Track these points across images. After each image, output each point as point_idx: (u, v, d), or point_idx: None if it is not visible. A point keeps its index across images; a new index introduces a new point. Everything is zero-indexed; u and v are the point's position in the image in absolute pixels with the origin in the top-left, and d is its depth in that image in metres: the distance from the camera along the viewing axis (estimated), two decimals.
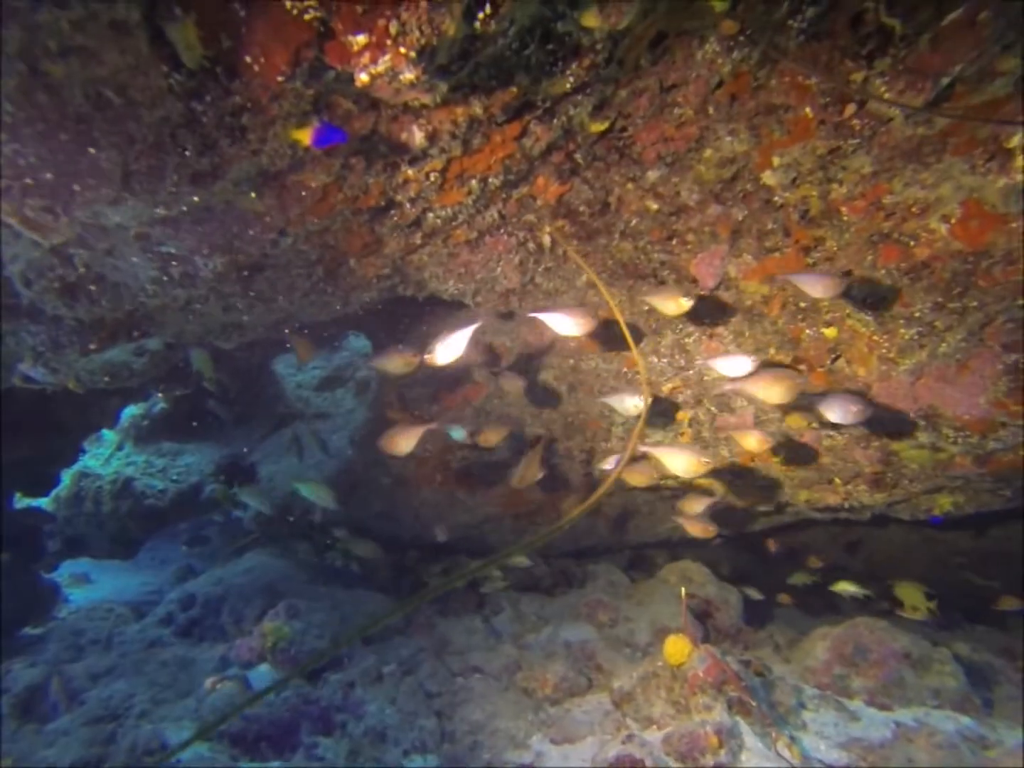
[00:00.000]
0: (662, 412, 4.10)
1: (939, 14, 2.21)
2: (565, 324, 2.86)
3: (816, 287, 2.78)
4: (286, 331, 3.83)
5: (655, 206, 3.38)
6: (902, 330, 3.28)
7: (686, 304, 3.01)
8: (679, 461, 2.94)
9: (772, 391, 2.88)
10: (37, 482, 5.06)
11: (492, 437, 3.88)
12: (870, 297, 3.29)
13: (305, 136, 1.84)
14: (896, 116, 2.57)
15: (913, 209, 2.91)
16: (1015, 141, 2.38)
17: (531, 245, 3.36)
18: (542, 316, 2.90)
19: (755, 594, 5.03)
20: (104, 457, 6.57)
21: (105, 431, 6.65)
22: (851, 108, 2.65)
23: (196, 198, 1.95)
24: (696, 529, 3.77)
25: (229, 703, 3.52)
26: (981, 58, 2.25)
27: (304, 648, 4.02)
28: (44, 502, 6.19)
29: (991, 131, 2.42)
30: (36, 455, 4.56)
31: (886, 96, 2.41)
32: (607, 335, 3.99)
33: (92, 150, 1.53)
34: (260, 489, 4.63)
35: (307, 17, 1.46)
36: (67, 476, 6.23)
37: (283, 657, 3.99)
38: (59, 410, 4.30)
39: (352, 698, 3.54)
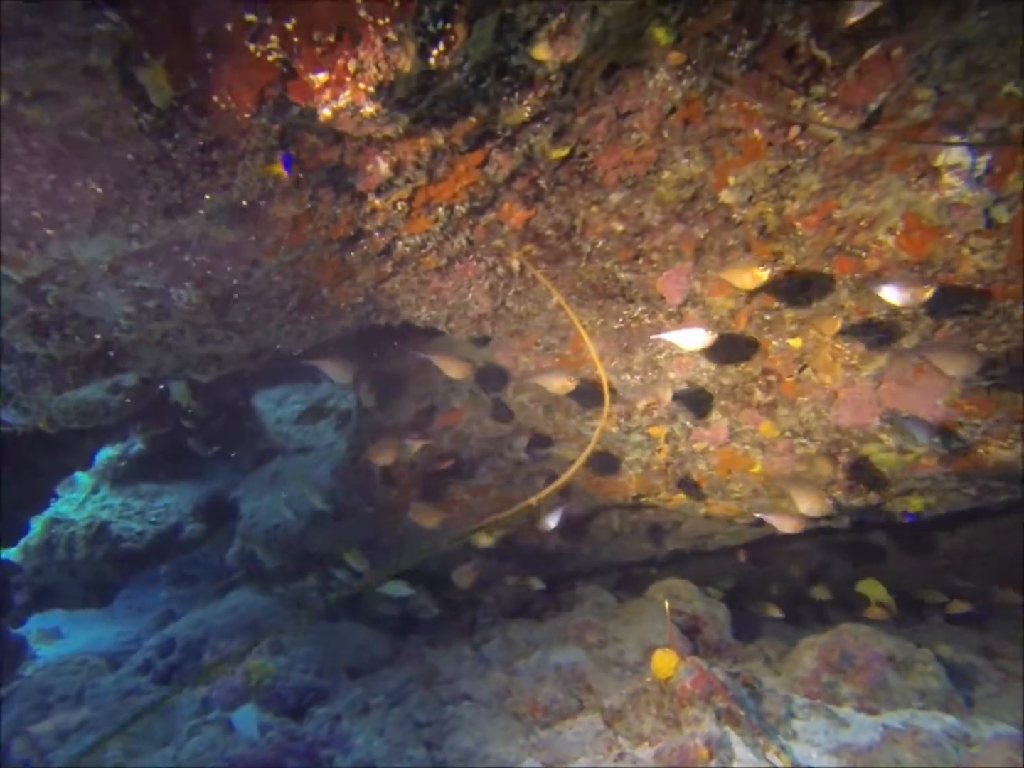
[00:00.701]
0: (638, 428, 4.17)
1: (860, 49, 2.40)
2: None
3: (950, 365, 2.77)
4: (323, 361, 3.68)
5: (620, 227, 3.51)
6: (862, 338, 3.40)
7: (762, 275, 2.95)
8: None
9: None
10: (3, 531, 4.92)
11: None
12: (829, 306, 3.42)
13: (279, 169, 1.92)
14: (836, 137, 2.73)
15: (861, 223, 3.06)
16: (940, 160, 2.56)
17: (500, 270, 3.45)
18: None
19: (775, 612, 5.04)
20: (78, 502, 6.43)
21: (79, 474, 6.53)
22: (795, 130, 2.81)
23: (168, 231, 2.01)
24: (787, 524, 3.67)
25: (211, 747, 3.44)
26: (900, 88, 2.45)
27: (289, 684, 3.95)
28: (11, 552, 6.00)
29: (919, 151, 2.59)
30: (4, 502, 4.45)
31: (824, 120, 2.57)
32: (581, 357, 4.08)
33: (65, 187, 1.59)
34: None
35: (270, 59, 1.55)
36: (37, 523, 6.06)
37: (268, 695, 3.92)
38: (29, 453, 4.23)
39: (338, 731, 3.47)
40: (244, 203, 2.16)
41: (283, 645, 4.23)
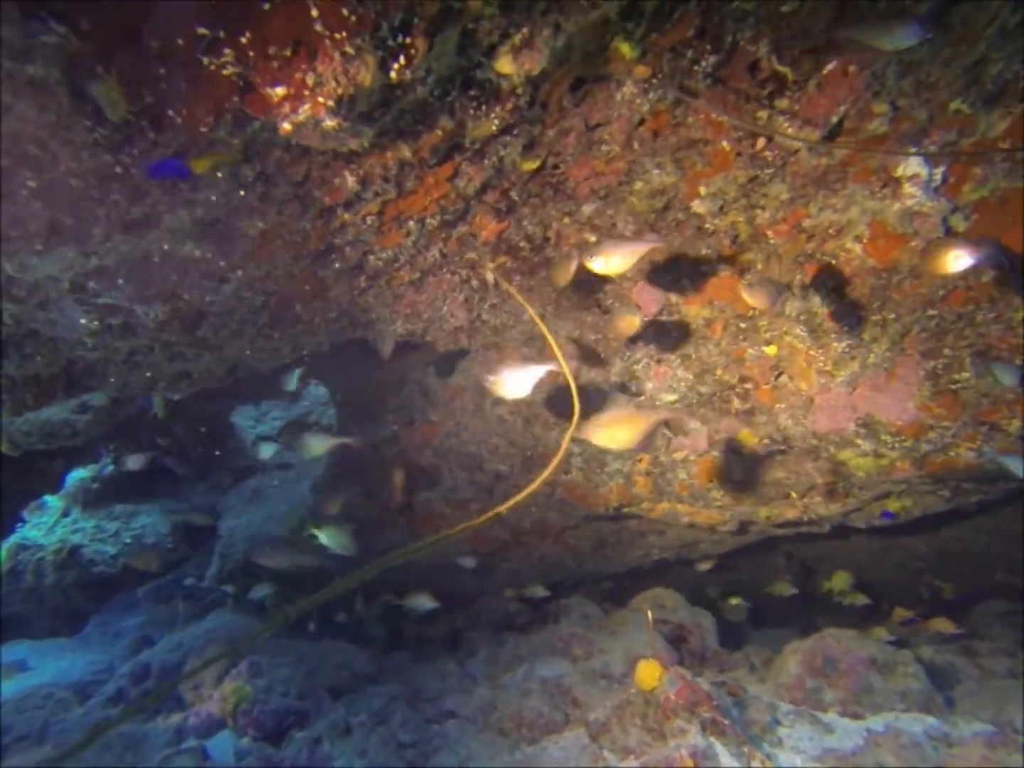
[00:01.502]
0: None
1: (819, 64, 2.46)
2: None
3: None
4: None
5: (593, 238, 3.52)
6: (834, 344, 3.43)
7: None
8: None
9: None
10: None
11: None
12: (802, 315, 3.46)
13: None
14: (801, 148, 2.78)
15: (830, 231, 3.10)
16: (899, 171, 2.61)
17: (475, 282, 3.45)
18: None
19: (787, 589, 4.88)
20: (47, 526, 6.24)
21: (48, 497, 6.35)
22: (762, 141, 2.85)
23: (130, 247, 1.97)
24: None
25: None
26: (858, 102, 2.51)
27: (268, 708, 3.86)
28: None
29: (881, 161, 2.65)
30: None
31: (789, 131, 2.61)
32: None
33: (13, 203, 1.55)
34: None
35: (225, 72, 1.53)
36: (2, 550, 5.85)
37: (245, 720, 3.82)
38: None
39: (319, 754, 3.39)
40: (209, 218, 2.13)
41: (262, 667, 4.13)
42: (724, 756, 3.13)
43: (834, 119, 2.62)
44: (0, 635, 5.59)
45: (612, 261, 2.62)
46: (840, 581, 4.69)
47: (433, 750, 3.71)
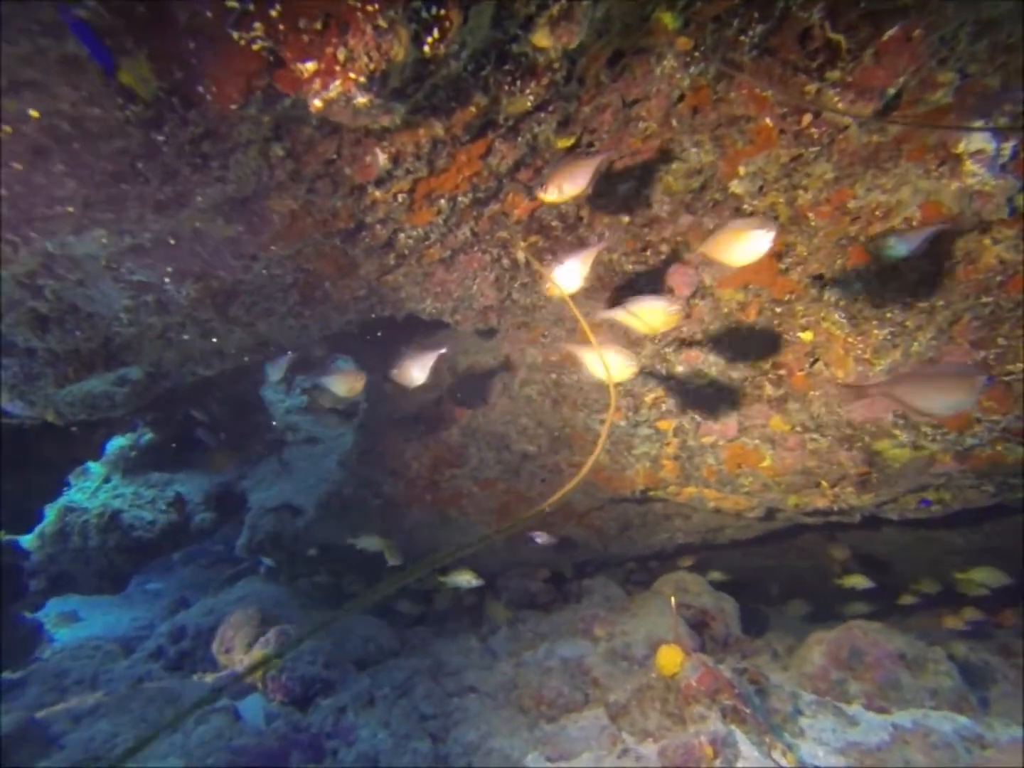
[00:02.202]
0: (645, 422, 4.12)
1: (878, 31, 2.29)
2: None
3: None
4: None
5: (626, 218, 3.43)
6: (875, 331, 3.31)
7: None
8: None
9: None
10: (19, 519, 5.00)
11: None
12: (843, 299, 3.34)
13: None
14: (851, 124, 2.63)
15: (876, 212, 2.96)
16: (961, 147, 2.44)
17: (505, 261, 3.40)
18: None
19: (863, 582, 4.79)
20: (90, 490, 6.51)
21: (91, 464, 6.60)
22: (808, 117, 2.71)
23: (162, 226, 1.98)
24: None
25: (217, 736, 3.47)
26: (920, 71, 2.33)
27: (296, 675, 3.97)
28: (27, 539, 6.11)
29: (940, 137, 2.48)
30: (17, 491, 4.51)
31: (839, 106, 2.47)
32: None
33: (50, 182, 1.56)
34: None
35: (255, 47, 1.50)
36: (51, 511, 6.15)
37: (274, 685, 3.94)
38: (41, 444, 4.27)
39: (343, 723, 3.49)
40: (240, 197, 2.12)
41: (290, 636, 4.25)
42: (744, 744, 3.12)
43: (891, 91, 2.45)
44: (53, 589, 5.99)
45: (565, 187, 2.43)
46: (857, 580, 4.60)
47: (454, 723, 3.78)
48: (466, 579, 4.51)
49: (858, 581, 4.78)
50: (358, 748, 3.38)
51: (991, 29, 2.22)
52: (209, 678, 4.22)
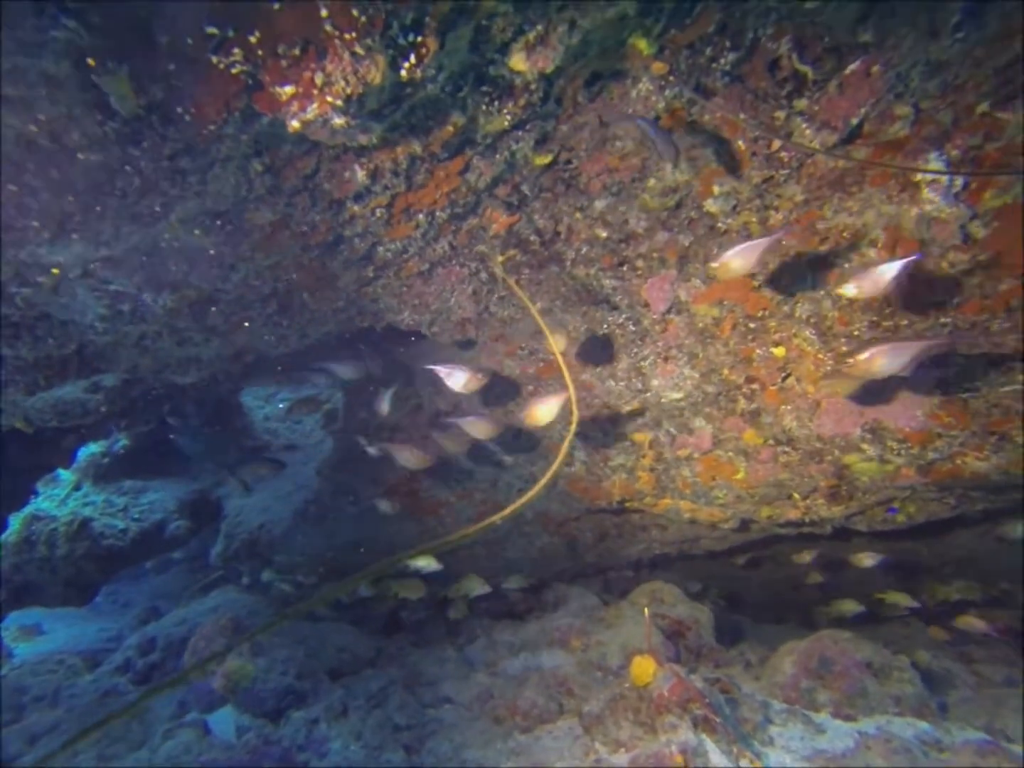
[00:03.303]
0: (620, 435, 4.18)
1: (842, 64, 2.40)
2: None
3: None
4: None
5: (604, 234, 3.49)
6: (844, 348, 3.40)
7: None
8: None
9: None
10: None
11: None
12: (812, 317, 3.43)
13: None
14: (819, 148, 2.73)
15: (844, 234, 3.06)
16: (919, 175, 2.56)
17: (483, 275, 3.44)
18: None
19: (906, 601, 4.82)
20: (59, 498, 6.38)
21: (61, 471, 6.47)
22: (778, 142, 2.80)
23: (140, 237, 1.98)
24: None
25: (186, 751, 3.42)
26: (880, 103, 2.45)
27: (268, 686, 3.94)
28: None
29: (900, 164, 2.59)
30: None
31: (806, 132, 2.56)
32: (566, 362, 4.06)
33: (27, 194, 1.56)
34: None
35: (234, 71, 1.52)
36: (16, 520, 5.99)
37: (246, 697, 3.90)
38: (7, 450, 4.19)
39: (315, 735, 3.47)
40: (218, 210, 2.13)
41: (263, 646, 4.20)
42: (714, 753, 3.16)
43: (854, 121, 2.57)
44: (15, 601, 5.79)
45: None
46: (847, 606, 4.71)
47: (428, 734, 3.78)
48: (425, 563, 4.51)
49: (899, 599, 4.86)
50: (330, 760, 3.36)
51: (941, 69, 2.34)
52: (179, 691, 4.15)
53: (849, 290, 2.51)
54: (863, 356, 2.57)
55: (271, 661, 4.07)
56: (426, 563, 4.52)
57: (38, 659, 4.94)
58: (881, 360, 2.55)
